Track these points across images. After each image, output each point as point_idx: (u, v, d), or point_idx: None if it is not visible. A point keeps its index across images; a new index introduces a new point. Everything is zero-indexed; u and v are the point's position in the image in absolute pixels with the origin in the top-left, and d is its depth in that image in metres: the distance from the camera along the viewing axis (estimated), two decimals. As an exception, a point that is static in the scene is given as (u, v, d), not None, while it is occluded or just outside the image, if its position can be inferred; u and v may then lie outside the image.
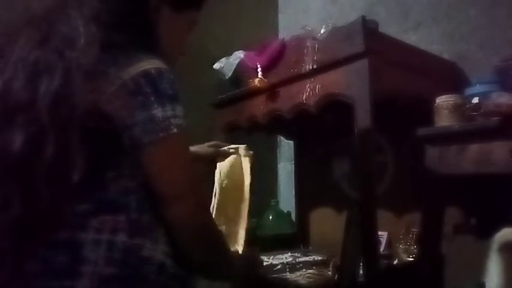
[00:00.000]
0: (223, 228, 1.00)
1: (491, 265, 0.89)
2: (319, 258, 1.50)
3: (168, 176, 0.66)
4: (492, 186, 1.17)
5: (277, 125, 1.51)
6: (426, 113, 1.11)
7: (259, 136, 1.79)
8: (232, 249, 0.92)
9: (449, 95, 1.08)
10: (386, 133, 1.48)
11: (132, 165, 0.64)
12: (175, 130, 0.64)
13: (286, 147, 2.20)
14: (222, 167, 1.08)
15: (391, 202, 1.47)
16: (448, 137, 1.05)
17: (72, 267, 0.59)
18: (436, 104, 1.10)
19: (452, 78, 1.37)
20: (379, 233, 1.27)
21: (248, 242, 0.99)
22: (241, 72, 1.51)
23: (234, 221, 1.02)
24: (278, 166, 2.26)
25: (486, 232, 0.96)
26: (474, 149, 1.00)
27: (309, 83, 1.23)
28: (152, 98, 0.63)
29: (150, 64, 0.64)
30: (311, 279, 1.21)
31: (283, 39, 1.40)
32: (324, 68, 1.19)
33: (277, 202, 2.00)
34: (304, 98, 1.24)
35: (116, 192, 0.63)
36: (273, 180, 2.22)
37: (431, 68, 1.32)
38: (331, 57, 1.17)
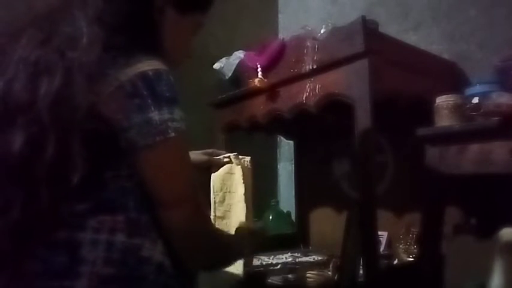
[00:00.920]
0: None
1: (492, 265, 0.89)
2: (319, 258, 1.50)
3: (164, 180, 0.65)
4: (492, 186, 1.17)
5: (277, 125, 1.51)
6: (426, 113, 1.11)
7: (259, 136, 1.79)
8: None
9: (449, 95, 1.08)
10: (386, 133, 1.48)
11: (129, 165, 0.63)
12: (172, 134, 0.63)
13: (286, 147, 2.20)
14: (214, 181, 1.05)
15: (391, 202, 1.47)
16: (448, 137, 1.05)
17: (71, 267, 0.58)
18: (436, 104, 1.10)
19: (452, 78, 1.37)
20: (379, 233, 1.28)
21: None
22: (241, 72, 1.51)
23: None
24: (278, 166, 2.26)
25: (486, 232, 0.96)
26: (474, 149, 1.00)
27: (309, 83, 1.23)
28: (149, 101, 0.62)
29: (148, 65, 0.63)
30: (311, 279, 1.21)
31: (283, 39, 1.40)
32: (324, 68, 1.19)
33: (277, 202, 2.00)
34: (304, 98, 1.24)
35: (114, 192, 0.63)
36: (273, 180, 2.22)
37: (431, 68, 1.32)
38: (331, 57, 1.17)
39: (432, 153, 1.08)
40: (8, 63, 0.63)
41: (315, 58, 1.22)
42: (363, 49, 1.07)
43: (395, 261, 1.38)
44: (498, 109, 0.97)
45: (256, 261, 1.47)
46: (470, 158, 1.00)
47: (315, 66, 1.21)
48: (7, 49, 0.65)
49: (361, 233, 1.07)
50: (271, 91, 1.37)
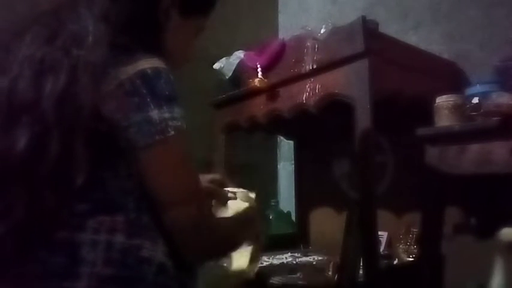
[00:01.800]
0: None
1: (492, 265, 0.89)
2: (319, 258, 1.50)
3: (165, 180, 0.64)
4: (492, 186, 1.17)
5: (277, 125, 1.51)
6: (426, 113, 1.11)
7: (259, 136, 1.79)
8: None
9: (449, 95, 1.08)
10: (386, 133, 1.48)
11: (129, 165, 0.63)
12: (172, 132, 0.62)
13: (286, 147, 2.20)
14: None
15: (391, 202, 1.47)
16: (448, 137, 1.05)
17: (71, 268, 0.58)
18: (436, 104, 1.10)
19: (452, 78, 1.37)
20: (379, 233, 1.27)
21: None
22: (241, 72, 1.51)
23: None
24: (278, 166, 2.26)
25: (486, 232, 0.96)
26: (474, 149, 1.00)
27: (309, 83, 1.23)
28: (148, 99, 0.61)
29: (147, 63, 0.63)
30: (311, 280, 1.21)
31: (283, 39, 1.40)
32: (324, 68, 1.19)
33: (277, 202, 2.00)
34: (304, 98, 1.24)
35: (114, 192, 0.62)
36: (273, 180, 2.23)
37: (431, 68, 1.32)
38: (331, 57, 1.17)
39: (432, 153, 1.08)
40: (12, 61, 0.62)
41: (315, 58, 1.22)
42: (363, 49, 1.07)
43: (395, 261, 1.38)
44: (498, 109, 0.97)
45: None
46: (470, 158, 1.00)
47: (315, 66, 1.21)
48: (11, 47, 0.64)
49: (361, 233, 1.07)
50: (271, 91, 1.37)
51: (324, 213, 1.82)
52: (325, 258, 1.45)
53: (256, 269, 0.93)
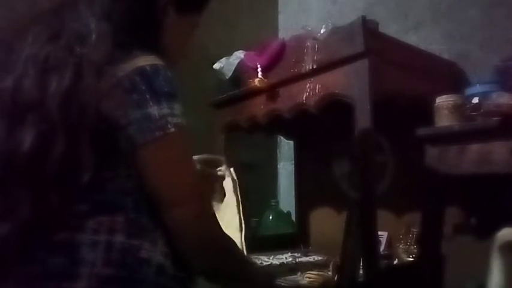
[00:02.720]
0: None
1: (492, 265, 0.89)
2: (319, 258, 1.50)
3: (166, 178, 0.63)
4: (492, 186, 1.17)
5: (277, 125, 1.51)
6: (426, 113, 1.11)
7: (259, 136, 1.79)
8: None
9: (449, 95, 1.08)
10: (386, 133, 1.48)
11: (128, 165, 0.62)
12: (172, 129, 0.61)
13: (286, 147, 2.20)
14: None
15: (391, 202, 1.46)
16: (448, 137, 1.05)
17: (70, 268, 0.58)
18: (436, 104, 1.10)
19: (452, 78, 1.37)
20: (379, 233, 1.27)
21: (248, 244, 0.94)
22: (241, 72, 1.51)
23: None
24: (278, 166, 2.26)
25: (486, 232, 0.96)
26: (474, 149, 1.00)
27: (309, 83, 1.23)
28: (147, 96, 0.61)
29: (145, 61, 0.62)
30: (311, 279, 1.21)
31: (283, 39, 1.40)
32: (324, 68, 1.19)
33: (277, 202, 2.00)
34: (304, 98, 1.24)
35: (113, 193, 0.62)
36: (273, 180, 2.23)
37: (431, 68, 1.32)
38: (331, 57, 1.17)
39: (432, 153, 1.08)
40: (16, 61, 0.62)
41: (315, 58, 1.22)
42: (363, 49, 1.07)
43: (395, 261, 1.38)
44: (498, 109, 0.97)
45: (256, 261, 1.47)
46: (470, 158, 1.00)
47: (315, 66, 1.21)
48: (14, 46, 0.64)
49: (361, 233, 1.07)
50: (271, 91, 1.37)
51: (324, 213, 1.82)
52: (325, 258, 1.45)
53: None
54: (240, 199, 0.94)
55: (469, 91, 1.17)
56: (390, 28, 1.44)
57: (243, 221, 0.92)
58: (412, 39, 1.51)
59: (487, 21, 1.38)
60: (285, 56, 1.34)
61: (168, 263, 0.65)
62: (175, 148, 0.63)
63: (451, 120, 1.05)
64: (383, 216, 1.33)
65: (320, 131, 1.78)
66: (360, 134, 1.07)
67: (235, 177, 0.97)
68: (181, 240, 0.64)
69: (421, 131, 1.09)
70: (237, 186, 0.96)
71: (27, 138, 0.58)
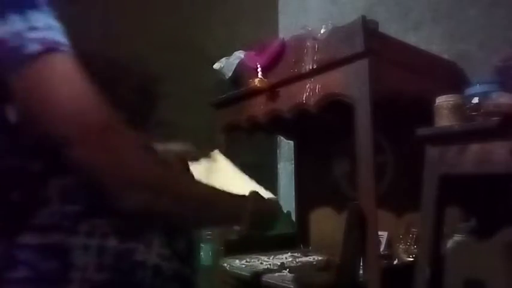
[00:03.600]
0: None
1: (492, 265, 0.89)
2: (319, 258, 1.50)
3: (51, 112, 0.49)
4: (492, 186, 1.17)
5: (277, 125, 1.51)
6: (426, 113, 1.11)
7: (259, 136, 1.79)
8: None
9: (449, 95, 1.08)
10: (386, 133, 1.48)
11: None
12: (36, 47, 0.47)
13: (286, 147, 2.20)
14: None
15: (391, 202, 1.47)
16: (448, 137, 1.05)
17: (61, 273, 0.55)
18: (436, 104, 1.10)
19: (453, 78, 1.37)
20: (379, 233, 1.27)
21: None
22: (241, 72, 1.51)
23: None
24: (278, 166, 2.26)
25: (486, 232, 0.96)
26: (474, 149, 1.00)
27: (309, 83, 1.23)
28: None
29: None
30: (311, 279, 1.21)
31: (283, 39, 1.40)
32: (324, 68, 1.19)
33: (277, 202, 2.00)
34: (304, 98, 1.24)
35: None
36: (273, 180, 2.23)
37: (431, 68, 1.32)
38: (331, 57, 1.17)
39: (432, 153, 1.08)
40: None
41: (315, 58, 1.22)
42: (363, 49, 1.07)
43: (396, 261, 1.38)
44: (498, 109, 0.97)
45: (256, 261, 1.47)
46: (470, 158, 1.00)
47: (315, 66, 1.21)
48: None
49: (361, 233, 1.07)
50: (271, 91, 1.37)
51: (324, 213, 1.82)
52: (325, 258, 1.45)
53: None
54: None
55: (469, 91, 1.17)
56: (390, 28, 1.44)
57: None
58: (412, 39, 1.51)
59: (487, 21, 1.38)
60: (285, 56, 1.34)
61: (165, 264, 0.63)
62: (49, 73, 0.50)
63: (451, 120, 1.05)
64: (383, 216, 1.33)
65: (320, 131, 1.78)
66: (360, 134, 1.07)
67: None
68: (94, 179, 0.54)
69: (421, 131, 1.09)
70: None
71: None
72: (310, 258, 1.50)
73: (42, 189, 0.57)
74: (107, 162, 0.53)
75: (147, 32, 1.77)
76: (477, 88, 1.16)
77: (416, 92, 1.20)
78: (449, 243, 1.00)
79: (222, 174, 0.92)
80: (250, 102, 1.47)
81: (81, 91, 0.52)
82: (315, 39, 1.23)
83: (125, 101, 1.59)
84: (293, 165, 2.02)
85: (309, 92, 1.23)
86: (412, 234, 1.38)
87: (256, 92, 1.42)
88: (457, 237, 0.99)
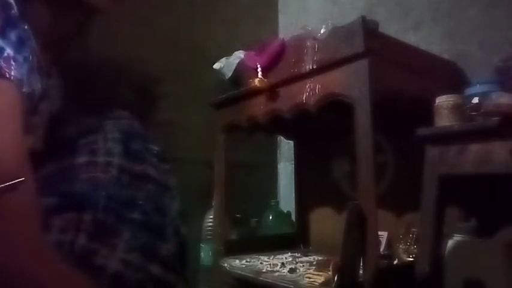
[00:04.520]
0: None
1: (492, 265, 0.89)
2: (319, 258, 1.50)
3: None
4: (492, 186, 1.17)
5: (277, 125, 1.51)
6: (426, 113, 1.11)
7: (259, 136, 1.79)
8: None
9: (449, 95, 1.08)
10: (386, 133, 1.48)
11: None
12: None
13: (286, 147, 2.20)
14: None
15: (391, 202, 1.46)
16: (448, 137, 1.05)
17: None
18: (436, 104, 1.10)
19: (453, 78, 1.37)
20: (379, 233, 1.27)
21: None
22: (241, 72, 1.51)
23: None
24: (278, 166, 2.26)
25: (486, 232, 0.96)
26: (474, 149, 0.99)
27: (309, 83, 1.23)
28: None
29: None
30: (311, 279, 1.21)
31: (283, 39, 1.40)
32: (324, 68, 1.19)
33: (277, 202, 2.00)
34: (304, 98, 1.24)
35: (84, 184, 0.53)
36: (273, 180, 2.23)
37: (431, 67, 1.32)
38: (331, 57, 1.17)
39: (432, 153, 1.08)
40: None
41: (315, 58, 1.22)
42: (363, 49, 1.07)
43: (396, 261, 1.38)
44: (498, 109, 0.97)
45: (256, 261, 1.47)
46: (470, 158, 1.00)
47: (315, 66, 1.21)
48: None
49: (361, 233, 1.07)
50: (271, 91, 1.37)
51: (324, 213, 1.82)
52: (325, 258, 1.45)
53: None
54: None
55: (469, 91, 1.17)
56: (390, 28, 1.44)
57: None
58: (412, 39, 1.51)
59: (487, 21, 1.38)
60: (285, 56, 1.34)
61: (128, 272, 0.55)
62: None
63: (451, 120, 1.05)
64: (383, 216, 1.33)
65: (320, 131, 1.78)
66: (360, 134, 1.07)
67: None
68: None
69: (421, 131, 1.09)
70: None
71: None
72: (310, 258, 1.50)
73: None
74: None
75: (147, 32, 1.77)
76: (477, 88, 1.16)
77: (416, 92, 1.20)
78: (449, 243, 1.00)
79: None
80: (250, 102, 1.47)
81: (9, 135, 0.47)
82: (315, 39, 1.23)
83: (125, 101, 1.59)
84: (293, 165, 2.02)
85: (309, 92, 1.23)
86: (412, 234, 1.38)
87: (256, 92, 1.42)
88: (457, 237, 0.99)
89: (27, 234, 0.46)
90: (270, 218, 1.89)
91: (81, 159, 0.56)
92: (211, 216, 1.69)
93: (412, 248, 1.36)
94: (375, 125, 1.05)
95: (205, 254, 1.68)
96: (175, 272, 0.62)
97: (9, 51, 0.48)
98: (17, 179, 0.44)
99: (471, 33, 1.42)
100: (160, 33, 1.82)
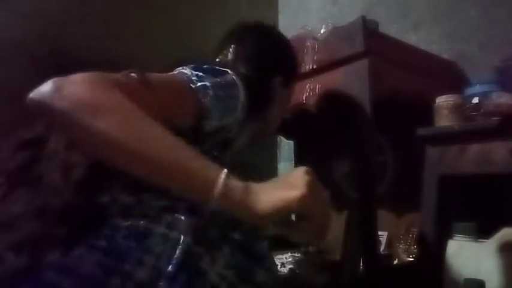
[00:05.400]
0: None
1: (492, 265, 0.89)
2: (319, 258, 1.50)
3: None
4: (492, 186, 1.16)
5: (277, 125, 1.51)
6: (426, 113, 1.11)
7: (259, 136, 1.79)
8: None
9: (449, 95, 1.08)
10: (386, 133, 1.48)
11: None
12: None
13: (286, 147, 2.20)
14: None
15: (391, 202, 1.46)
16: (448, 137, 1.05)
17: (136, 254, 0.54)
18: (436, 104, 1.10)
19: (452, 78, 1.37)
20: (379, 233, 1.27)
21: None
22: (241, 72, 1.50)
23: None
24: (278, 166, 2.26)
25: (486, 232, 0.96)
26: (474, 149, 1.00)
27: (309, 83, 1.23)
28: None
29: None
30: (311, 279, 1.21)
31: (283, 39, 1.40)
32: (324, 68, 1.19)
33: (277, 202, 1.99)
34: (304, 98, 1.24)
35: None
36: (273, 180, 2.22)
37: (431, 67, 1.32)
38: (331, 57, 1.17)
39: (432, 153, 1.08)
40: None
41: (315, 58, 1.22)
42: (363, 49, 1.07)
43: (396, 261, 1.38)
44: (498, 109, 0.97)
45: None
46: (470, 158, 1.00)
47: (315, 66, 1.21)
48: None
49: (361, 233, 1.07)
50: (271, 91, 1.36)
51: (324, 213, 1.81)
52: (325, 258, 1.45)
53: None
54: None
55: (469, 91, 1.17)
56: (390, 28, 1.45)
57: None
58: (412, 39, 1.51)
59: (487, 21, 1.38)
60: (285, 56, 1.33)
61: (223, 287, 0.57)
62: None
63: (451, 120, 1.05)
64: (383, 216, 1.33)
65: (320, 131, 1.78)
66: (360, 134, 1.07)
67: None
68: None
69: (421, 131, 1.09)
70: None
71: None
72: (310, 258, 1.50)
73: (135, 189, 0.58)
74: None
75: (147, 32, 1.77)
76: (477, 88, 1.16)
77: (416, 92, 1.20)
78: (449, 243, 1.00)
79: None
80: (250, 102, 1.47)
81: None
82: (315, 39, 1.23)
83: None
84: (293, 165, 2.02)
85: (309, 92, 1.23)
86: (412, 234, 1.38)
87: (256, 92, 1.41)
88: (457, 237, 0.99)
89: None
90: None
91: None
92: (211, 216, 1.69)
93: (412, 248, 1.36)
94: (375, 125, 1.05)
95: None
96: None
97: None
98: None
99: (471, 33, 1.42)
100: (160, 33, 1.82)
